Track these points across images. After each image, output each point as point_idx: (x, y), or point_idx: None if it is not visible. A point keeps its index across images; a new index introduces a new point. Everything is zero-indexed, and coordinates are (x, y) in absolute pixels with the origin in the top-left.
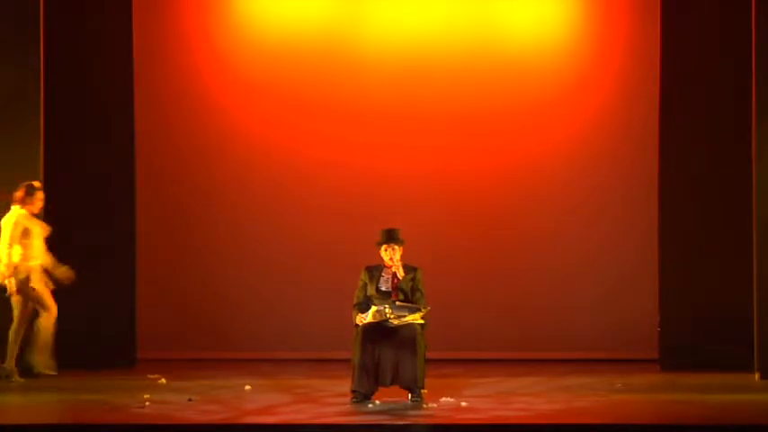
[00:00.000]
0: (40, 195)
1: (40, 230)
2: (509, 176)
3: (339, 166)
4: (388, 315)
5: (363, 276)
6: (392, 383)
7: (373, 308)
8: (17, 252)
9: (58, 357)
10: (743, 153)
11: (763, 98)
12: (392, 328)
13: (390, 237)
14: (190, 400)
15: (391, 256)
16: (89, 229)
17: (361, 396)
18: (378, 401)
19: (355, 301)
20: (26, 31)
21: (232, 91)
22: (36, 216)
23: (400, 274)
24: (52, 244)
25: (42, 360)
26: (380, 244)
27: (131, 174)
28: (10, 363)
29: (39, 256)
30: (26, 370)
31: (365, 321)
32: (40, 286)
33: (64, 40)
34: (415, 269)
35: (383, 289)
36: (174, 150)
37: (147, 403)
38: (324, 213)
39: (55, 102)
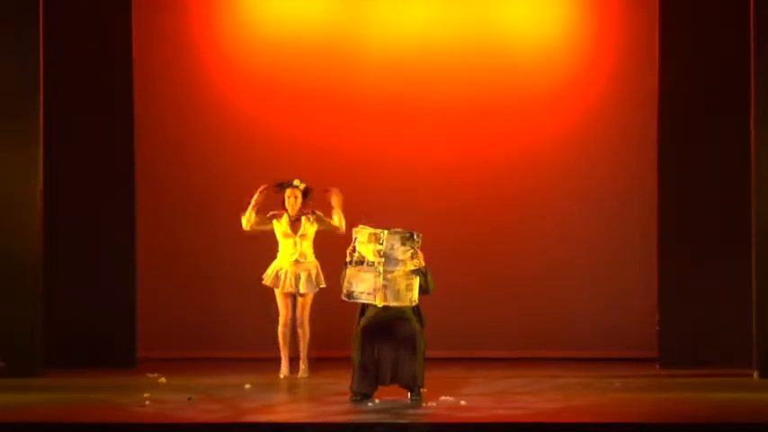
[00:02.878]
0: (287, 193)
1: (281, 235)
2: (509, 173)
3: (342, 161)
4: (383, 239)
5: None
6: (392, 382)
7: (370, 229)
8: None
9: (59, 356)
10: (743, 151)
11: (763, 96)
12: (392, 326)
13: None
14: (190, 399)
15: None
16: (89, 228)
17: (362, 396)
18: (377, 400)
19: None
20: (26, 30)
21: (235, 88)
22: (294, 216)
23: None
24: (53, 243)
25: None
26: None
27: (132, 173)
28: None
29: (282, 260)
30: None
31: (359, 239)
32: (279, 290)
33: (64, 39)
34: (424, 273)
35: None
36: (175, 149)
37: (147, 402)
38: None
39: (55, 101)
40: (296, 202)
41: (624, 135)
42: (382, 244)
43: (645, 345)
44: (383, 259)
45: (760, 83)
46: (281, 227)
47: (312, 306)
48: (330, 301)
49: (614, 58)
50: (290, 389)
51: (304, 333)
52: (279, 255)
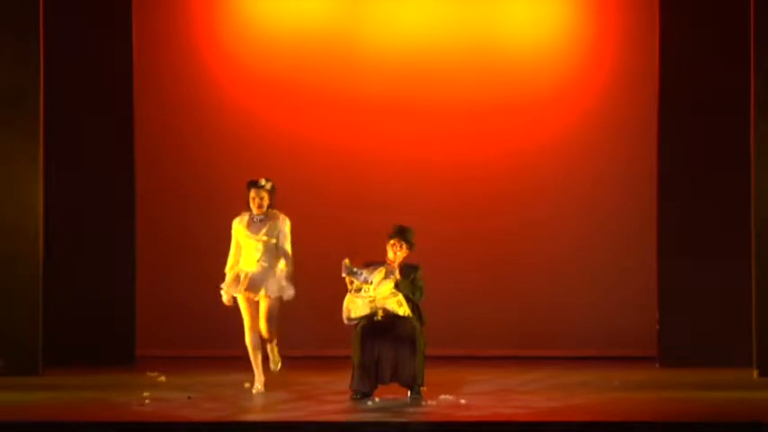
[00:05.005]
0: (251, 194)
1: (243, 237)
2: (508, 172)
3: (343, 159)
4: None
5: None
6: (391, 381)
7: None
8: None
9: (58, 355)
10: (743, 151)
11: (762, 96)
12: (391, 325)
13: (401, 233)
14: (189, 397)
15: (395, 252)
16: (89, 228)
17: (361, 394)
18: (377, 399)
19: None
20: (26, 30)
21: (235, 86)
22: (258, 217)
23: (396, 275)
24: (53, 243)
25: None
26: (390, 237)
27: (132, 173)
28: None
29: (244, 263)
30: None
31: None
32: (240, 297)
33: (64, 39)
34: (416, 268)
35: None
36: (175, 149)
37: (147, 401)
38: (325, 206)
39: (55, 101)
40: (262, 202)
41: (624, 134)
42: (370, 282)
43: (644, 344)
44: (371, 288)
45: (760, 82)
46: (241, 229)
47: (278, 313)
48: (330, 301)
49: (614, 58)
50: (289, 387)
51: (271, 339)
52: (240, 260)
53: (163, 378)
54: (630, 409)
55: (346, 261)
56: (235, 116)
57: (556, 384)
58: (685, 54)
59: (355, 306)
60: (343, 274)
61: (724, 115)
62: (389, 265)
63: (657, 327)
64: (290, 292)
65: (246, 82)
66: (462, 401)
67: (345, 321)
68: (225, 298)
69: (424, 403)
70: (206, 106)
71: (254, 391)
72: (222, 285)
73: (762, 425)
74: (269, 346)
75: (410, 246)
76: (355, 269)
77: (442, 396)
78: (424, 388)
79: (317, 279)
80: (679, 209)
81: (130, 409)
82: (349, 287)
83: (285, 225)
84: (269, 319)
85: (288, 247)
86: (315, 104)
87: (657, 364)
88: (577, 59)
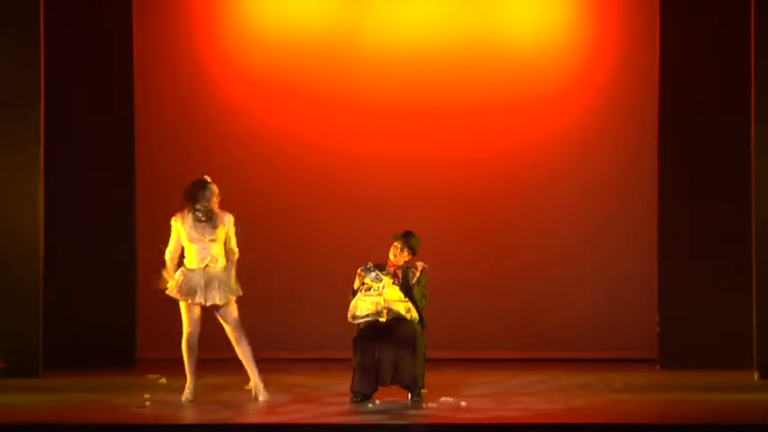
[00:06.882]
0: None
1: (187, 234)
2: (509, 172)
3: (344, 160)
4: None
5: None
6: (392, 383)
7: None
8: (169, 256)
9: (59, 357)
10: (743, 151)
11: (762, 96)
12: (391, 327)
13: (406, 237)
14: (190, 400)
15: (396, 255)
16: (89, 229)
17: (362, 397)
18: (378, 401)
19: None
20: (27, 30)
21: (235, 87)
22: (205, 218)
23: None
24: (53, 243)
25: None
26: (395, 239)
27: (132, 173)
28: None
29: (190, 262)
30: None
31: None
32: (185, 303)
33: (64, 39)
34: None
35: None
36: (175, 149)
37: (148, 403)
38: (325, 207)
39: (55, 101)
40: (203, 215)
41: (624, 134)
42: (381, 281)
43: (645, 345)
44: (381, 287)
45: (760, 83)
46: (184, 230)
47: (240, 313)
48: (330, 302)
49: (614, 58)
50: (289, 390)
51: (243, 352)
52: (185, 261)
53: (163, 380)
54: (632, 412)
55: (370, 263)
56: (234, 116)
57: (557, 386)
58: (685, 54)
59: (362, 304)
60: (359, 270)
61: (724, 115)
62: (411, 268)
63: (658, 329)
64: (240, 292)
65: (246, 82)
66: (463, 404)
67: (350, 320)
68: (167, 284)
69: (424, 406)
70: (205, 106)
71: (183, 398)
72: (163, 271)
73: (762, 427)
74: (249, 366)
75: (412, 252)
76: (370, 265)
77: (443, 398)
78: (425, 390)
79: (317, 280)
80: (679, 209)
81: (131, 412)
82: (358, 287)
83: (230, 224)
84: (238, 323)
85: (234, 245)
86: (314, 104)
87: (658, 366)
88: (577, 59)
